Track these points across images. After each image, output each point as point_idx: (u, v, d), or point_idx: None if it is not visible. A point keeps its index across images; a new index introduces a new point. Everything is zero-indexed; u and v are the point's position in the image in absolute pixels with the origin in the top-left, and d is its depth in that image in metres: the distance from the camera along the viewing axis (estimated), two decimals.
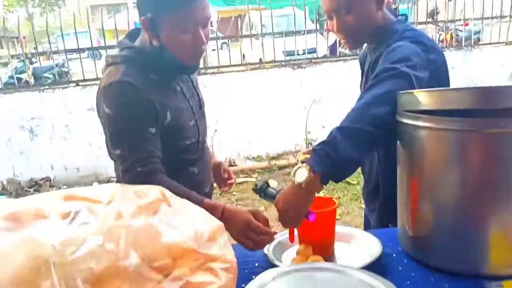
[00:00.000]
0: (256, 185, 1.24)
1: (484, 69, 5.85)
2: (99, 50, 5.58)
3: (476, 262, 1.00)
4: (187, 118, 1.35)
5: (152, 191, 1.04)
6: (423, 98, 1.06)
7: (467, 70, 5.74)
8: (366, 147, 1.12)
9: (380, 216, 1.48)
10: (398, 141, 1.16)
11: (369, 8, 1.33)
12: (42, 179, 4.89)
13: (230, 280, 0.81)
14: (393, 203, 1.22)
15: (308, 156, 1.16)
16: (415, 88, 1.14)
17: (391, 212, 1.26)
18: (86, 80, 4.96)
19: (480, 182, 0.99)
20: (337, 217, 3.88)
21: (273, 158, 5.30)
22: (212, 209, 1.16)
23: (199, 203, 1.18)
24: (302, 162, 1.09)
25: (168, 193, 1.06)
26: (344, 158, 1.06)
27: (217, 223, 0.97)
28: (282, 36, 5.44)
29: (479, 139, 0.98)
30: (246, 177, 4.86)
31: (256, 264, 1.17)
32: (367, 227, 1.64)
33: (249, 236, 1.16)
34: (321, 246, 1.19)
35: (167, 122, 1.28)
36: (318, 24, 7.79)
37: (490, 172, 0.98)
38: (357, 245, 1.23)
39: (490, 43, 6.12)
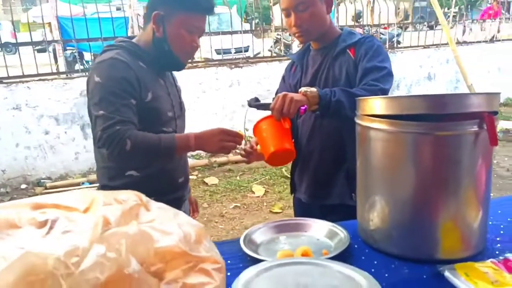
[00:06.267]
0: (250, 102, 1.60)
1: (405, 69, 6.34)
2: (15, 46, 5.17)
3: (430, 249, 1.13)
4: (166, 107, 1.54)
5: (130, 196, 1.04)
6: (381, 104, 1.17)
7: None
8: (352, 105, 1.34)
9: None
10: (357, 142, 1.27)
11: (322, 9, 1.62)
12: None
13: (222, 280, 0.85)
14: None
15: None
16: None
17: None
18: (11, 78, 4.61)
19: (431, 179, 1.12)
20: (279, 211, 4.01)
21: (213, 155, 5.32)
22: (186, 138, 1.43)
23: (172, 138, 1.43)
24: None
25: (144, 198, 1.07)
26: (338, 98, 1.45)
27: (199, 226, 1.00)
28: (219, 35, 5.47)
29: (429, 141, 1.11)
30: None
31: (229, 262, 1.21)
32: (298, 208, 1.86)
33: (226, 140, 1.44)
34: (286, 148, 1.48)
35: (147, 100, 1.46)
36: (249, 24, 7.88)
37: (440, 170, 1.12)
38: (325, 236, 1.32)
39: (410, 46, 6.65)
